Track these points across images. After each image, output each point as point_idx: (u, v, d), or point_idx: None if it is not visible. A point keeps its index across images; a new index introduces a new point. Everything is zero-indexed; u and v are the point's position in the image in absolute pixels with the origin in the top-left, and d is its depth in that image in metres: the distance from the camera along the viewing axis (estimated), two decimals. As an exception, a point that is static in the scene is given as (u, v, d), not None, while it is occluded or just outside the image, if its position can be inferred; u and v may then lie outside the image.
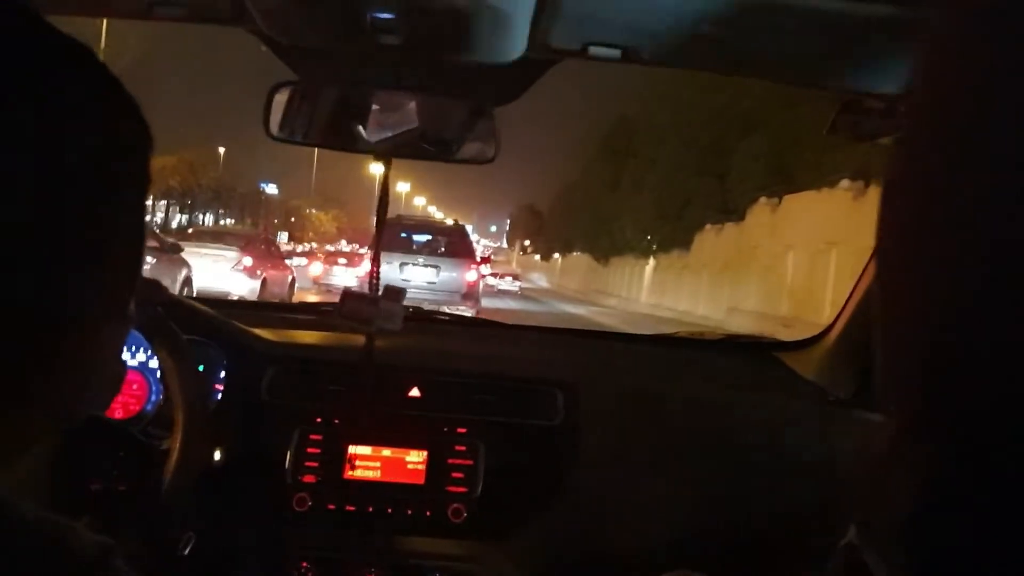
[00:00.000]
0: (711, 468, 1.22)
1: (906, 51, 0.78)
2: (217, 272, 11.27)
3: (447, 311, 2.79)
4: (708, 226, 20.37)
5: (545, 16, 0.87)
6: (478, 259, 12.30)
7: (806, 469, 1.20)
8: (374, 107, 1.14)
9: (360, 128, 1.13)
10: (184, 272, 10.29)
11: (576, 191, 36.95)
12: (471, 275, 11.25)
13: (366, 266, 10.45)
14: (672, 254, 23.33)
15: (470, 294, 11.10)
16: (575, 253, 41.94)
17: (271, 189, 65.46)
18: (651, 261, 26.09)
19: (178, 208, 51.53)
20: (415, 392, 1.23)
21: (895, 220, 0.26)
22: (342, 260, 16.49)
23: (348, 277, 14.30)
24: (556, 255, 50.24)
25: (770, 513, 1.20)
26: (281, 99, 1.14)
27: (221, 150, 54.39)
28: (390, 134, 1.14)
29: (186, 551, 0.99)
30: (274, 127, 1.14)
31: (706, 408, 1.26)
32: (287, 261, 15.14)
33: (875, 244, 0.28)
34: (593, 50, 0.97)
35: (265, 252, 12.73)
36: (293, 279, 13.45)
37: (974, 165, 0.23)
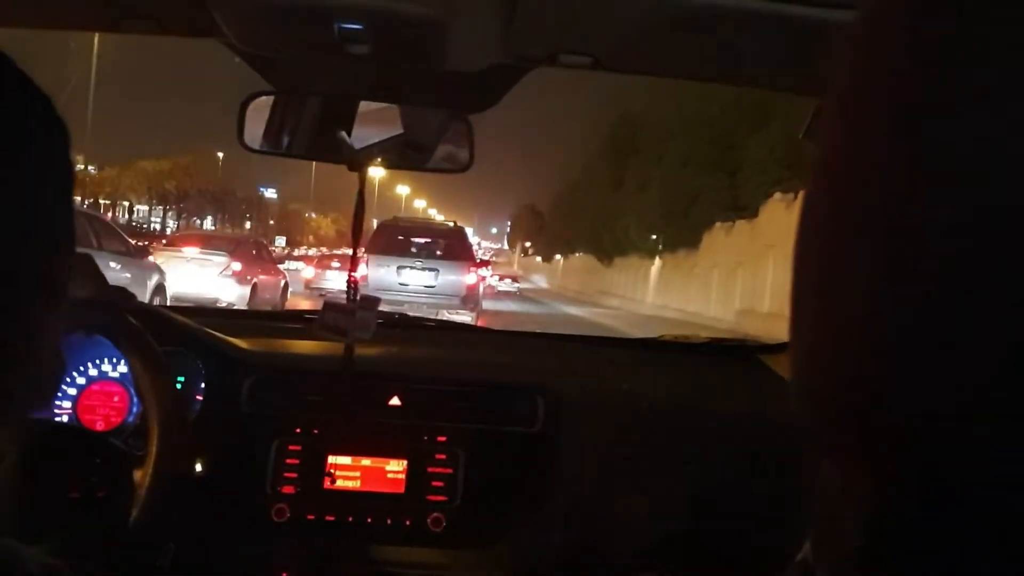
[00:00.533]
0: (692, 473, 1.22)
1: None
2: (204, 278, 10.89)
3: (446, 316, 2.96)
4: (718, 224, 19.92)
5: (513, 25, 0.89)
6: (478, 262, 12.22)
7: (787, 473, 1.18)
8: (348, 117, 1.16)
9: (334, 138, 1.15)
10: (155, 279, 9.87)
11: (577, 191, 36.72)
12: (471, 278, 11.10)
13: (362, 269, 10.37)
14: (679, 254, 22.94)
15: (470, 297, 10.97)
16: (577, 254, 41.81)
17: (270, 193, 66.90)
18: (657, 261, 25.67)
19: (175, 213, 51.44)
20: (395, 401, 1.23)
21: (845, 223, 0.25)
22: (335, 264, 16.06)
23: (342, 281, 14.57)
24: (558, 256, 50.23)
25: (752, 518, 1.20)
26: (256, 110, 1.16)
27: (220, 155, 54.88)
28: (365, 144, 1.16)
29: (165, 562, 1.01)
30: (249, 138, 1.16)
31: (688, 412, 1.27)
32: (281, 265, 14.78)
33: (801, 248, 0.27)
34: (563, 58, 0.98)
35: (256, 256, 12.39)
36: (286, 284, 13.25)
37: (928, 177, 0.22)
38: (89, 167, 40.86)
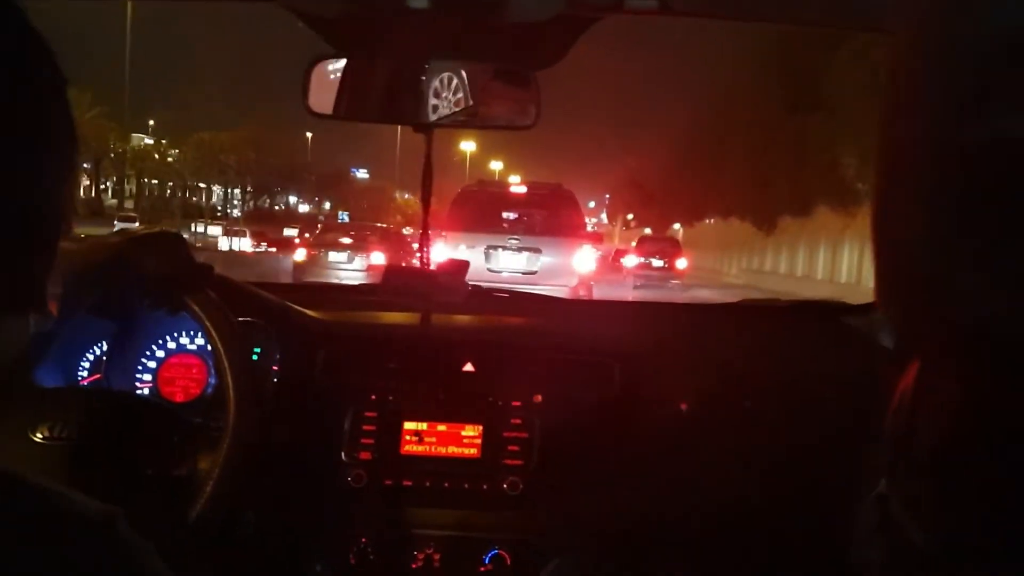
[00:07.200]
0: (777, 434, 1.25)
1: None
2: None
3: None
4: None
5: None
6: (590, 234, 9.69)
7: (876, 429, 1.05)
8: (411, 78, 1.22)
9: (399, 99, 1.21)
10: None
11: (705, 140, 26.61)
12: (585, 261, 7.98)
13: (441, 251, 7.61)
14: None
15: (582, 285, 8.02)
16: (707, 221, 31.52)
17: (362, 174, 67.60)
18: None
19: (243, 190, 44.58)
20: (469, 367, 1.31)
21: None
22: (345, 240, 10.98)
23: (356, 268, 9.80)
24: (676, 226, 40.16)
25: (839, 474, 1.22)
26: (319, 74, 1.22)
27: (308, 135, 48.92)
28: (431, 104, 1.22)
29: (246, 531, 1.09)
30: (314, 102, 1.23)
31: (771, 374, 1.30)
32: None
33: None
34: (629, 2, 1.01)
35: None
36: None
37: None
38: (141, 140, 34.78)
